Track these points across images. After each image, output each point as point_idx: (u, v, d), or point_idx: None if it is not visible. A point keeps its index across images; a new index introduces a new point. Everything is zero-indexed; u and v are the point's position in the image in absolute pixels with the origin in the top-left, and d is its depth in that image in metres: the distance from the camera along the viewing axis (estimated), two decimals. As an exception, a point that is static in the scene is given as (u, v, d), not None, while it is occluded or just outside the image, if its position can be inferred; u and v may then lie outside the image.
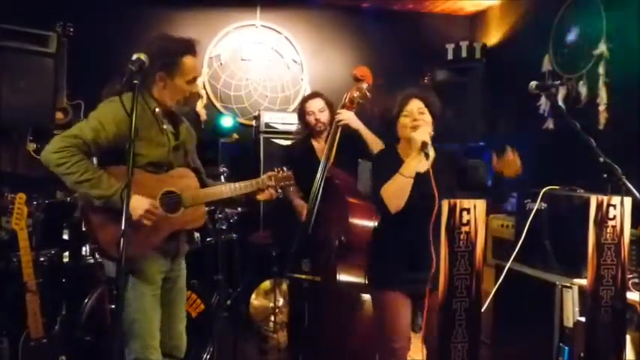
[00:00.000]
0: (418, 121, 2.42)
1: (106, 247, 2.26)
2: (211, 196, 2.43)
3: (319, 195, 3.26)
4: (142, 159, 2.24)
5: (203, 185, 2.49)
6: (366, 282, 2.74)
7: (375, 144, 3.31)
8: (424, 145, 2.31)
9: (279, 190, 2.56)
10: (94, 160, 2.29)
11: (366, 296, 2.98)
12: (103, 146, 2.22)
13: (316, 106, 3.47)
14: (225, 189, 2.47)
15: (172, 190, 2.33)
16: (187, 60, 2.31)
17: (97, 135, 2.19)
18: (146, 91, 2.30)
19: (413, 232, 2.36)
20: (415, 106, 2.45)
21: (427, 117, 2.46)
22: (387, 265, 2.51)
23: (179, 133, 2.45)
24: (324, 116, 3.46)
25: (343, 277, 3.09)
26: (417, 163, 2.34)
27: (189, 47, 2.33)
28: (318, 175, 3.28)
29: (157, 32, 4.45)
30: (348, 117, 3.31)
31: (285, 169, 2.59)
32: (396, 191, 2.36)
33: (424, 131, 2.37)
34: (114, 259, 2.26)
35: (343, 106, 3.35)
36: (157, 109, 2.31)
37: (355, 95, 3.33)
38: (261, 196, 2.53)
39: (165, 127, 2.36)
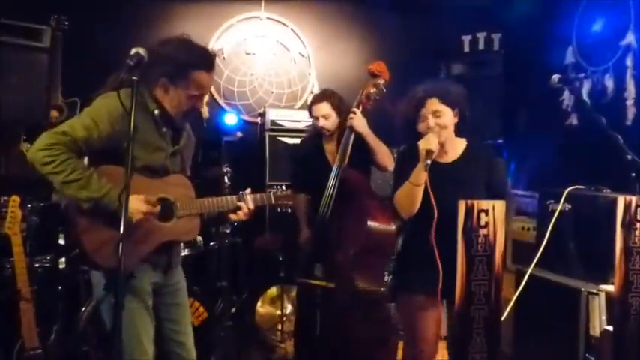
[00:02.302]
0: (433, 128, 2.44)
1: (93, 254, 2.19)
2: (207, 207, 2.40)
3: (333, 198, 3.26)
4: (137, 162, 2.19)
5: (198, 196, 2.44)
6: (385, 288, 2.76)
7: (381, 152, 3.31)
8: (429, 154, 2.32)
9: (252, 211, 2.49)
10: (85, 160, 2.25)
11: (385, 304, 2.98)
12: (95, 146, 2.17)
13: (320, 111, 3.45)
14: (221, 201, 2.44)
15: (166, 198, 2.30)
16: (198, 75, 2.25)
17: (89, 134, 2.14)
18: (147, 91, 2.27)
19: (439, 234, 2.36)
20: (431, 108, 2.46)
21: (445, 118, 2.47)
22: (413, 268, 2.53)
23: (179, 138, 2.42)
24: (329, 123, 3.45)
25: (360, 283, 3.09)
26: (425, 167, 2.35)
27: (204, 61, 2.28)
28: (332, 179, 3.27)
29: (167, 28, 4.55)
30: (356, 119, 3.30)
31: (284, 188, 2.59)
32: (406, 199, 2.44)
33: (431, 139, 2.37)
34: (100, 267, 2.22)
35: (359, 103, 3.35)
36: (156, 111, 2.27)
37: (372, 91, 3.32)
38: (234, 216, 2.47)
39: (164, 130, 2.32)
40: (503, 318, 2.08)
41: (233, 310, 4.03)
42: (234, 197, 2.45)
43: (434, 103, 2.46)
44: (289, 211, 4.01)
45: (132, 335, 2.24)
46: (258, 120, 4.90)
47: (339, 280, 3.18)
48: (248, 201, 2.46)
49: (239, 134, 4.57)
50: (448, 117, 2.48)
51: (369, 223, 3.08)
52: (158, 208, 2.24)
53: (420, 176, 2.38)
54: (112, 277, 2.08)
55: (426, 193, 2.41)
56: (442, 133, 2.45)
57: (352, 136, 3.30)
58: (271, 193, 2.57)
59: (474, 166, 2.55)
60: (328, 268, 3.30)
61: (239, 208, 2.44)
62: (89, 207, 2.13)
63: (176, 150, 2.39)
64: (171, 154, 2.36)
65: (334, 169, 3.29)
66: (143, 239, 2.23)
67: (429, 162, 2.31)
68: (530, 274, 2.61)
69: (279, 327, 4.11)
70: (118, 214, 2.00)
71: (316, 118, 3.47)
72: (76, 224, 2.20)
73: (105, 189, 2.12)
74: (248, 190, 2.50)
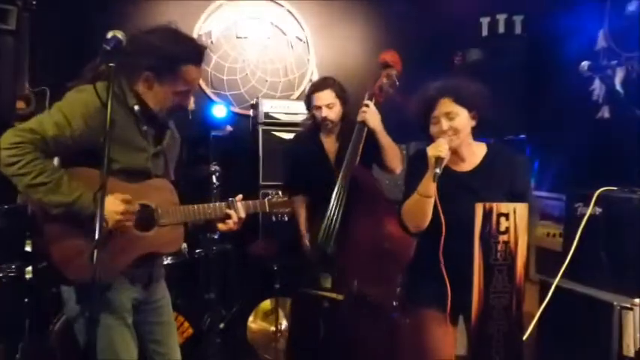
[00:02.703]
0: (446, 131, 2.43)
1: (62, 267, 2.16)
2: (192, 215, 2.39)
3: (343, 200, 3.26)
4: (114, 164, 2.16)
5: (182, 202, 2.42)
6: (398, 302, 2.77)
7: (392, 152, 3.32)
8: (438, 161, 2.32)
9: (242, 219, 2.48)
10: (56, 160, 2.22)
11: (398, 319, 2.98)
12: (66, 145, 2.14)
13: (324, 100, 3.44)
14: (209, 208, 2.43)
15: (147, 204, 2.28)
16: (187, 69, 2.25)
17: (59, 132, 2.11)
18: (126, 84, 2.25)
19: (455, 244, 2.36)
20: (444, 110, 2.45)
21: (459, 121, 2.45)
22: (426, 281, 2.53)
23: (162, 137, 2.41)
24: (333, 113, 3.45)
25: (371, 295, 3.09)
26: (434, 177, 2.34)
27: (194, 55, 2.28)
28: (340, 179, 3.27)
29: (148, 8, 4.53)
30: (370, 112, 3.30)
31: (280, 193, 2.59)
32: (415, 211, 2.45)
33: (441, 145, 2.36)
34: (70, 282, 2.20)
35: (371, 96, 3.35)
36: (136, 107, 2.25)
37: (384, 83, 3.33)
38: (222, 226, 2.47)
39: (145, 128, 2.30)
40: (525, 336, 2.07)
41: (222, 325, 4.03)
42: (223, 204, 2.44)
43: (447, 104, 2.45)
44: (285, 218, 4.01)
45: (110, 355, 2.23)
46: (251, 112, 4.90)
47: (347, 292, 3.18)
48: (239, 209, 2.45)
49: (229, 128, 4.58)
50: (463, 119, 2.46)
51: (386, 227, 3.08)
52: (137, 207, 2.22)
53: (429, 187, 2.37)
54: (85, 292, 2.10)
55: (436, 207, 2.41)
56: (455, 138, 2.44)
57: (364, 132, 3.29)
58: (266, 200, 2.57)
59: (494, 175, 2.53)
60: (337, 278, 3.30)
61: (228, 217, 2.43)
62: (59, 212, 2.11)
63: (159, 150, 2.38)
64: (154, 155, 2.35)
65: (343, 167, 3.28)
66: (120, 251, 2.21)
67: (438, 171, 2.30)
68: (557, 285, 2.60)
69: (274, 344, 4.11)
70: (91, 221, 1.99)
71: (318, 108, 3.46)
72: (43, 233, 2.18)
73: (76, 193, 2.11)
74: (239, 197, 2.49)
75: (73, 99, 2.18)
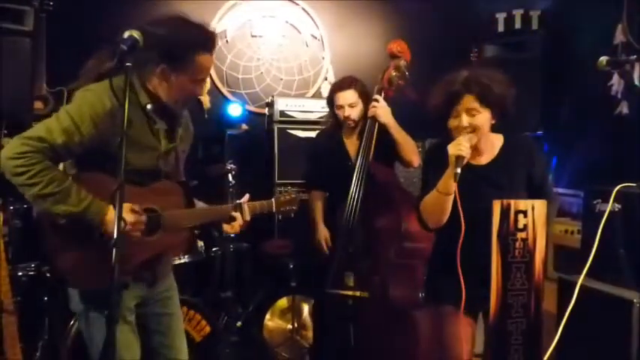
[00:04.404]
0: (465, 127, 2.40)
1: (66, 275, 2.17)
2: (197, 219, 2.39)
3: (360, 197, 3.26)
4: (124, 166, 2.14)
5: (189, 204, 2.39)
6: (423, 297, 2.77)
7: (407, 146, 3.32)
8: (459, 160, 2.30)
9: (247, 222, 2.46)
10: (69, 163, 2.23)
11: (423, 314, 2.98)
12: (76, 151, 2.13)
13: (347, 99, 3.46)
14: (214, 211, 2.43)
15: (153, 208, 2.26)
16: (201, 58, 2.22)
17: (69, 139, 2.08)
18: (138, 82, 2.23)
19: (475, 241, 2.34)
20: (466, 106, 2.41)
21: (480, 119, 2.42)
22: (445, 277, 2.52)
23: (175, 133, 2.38)
24: (355, 112, 3.46)
25: (396, 292, 3.09)
26: (455, 176, 2.33)
27: (207, 43, 2.26)
28: (355, 176, 3.27)
29: (163, 8, 4.55)
30: (380, 107, 3.30)
31: (289, 190, 2.57)
32: (433, 208, 2.45)
33: (463, 144, 2.34)
34: (74, 287, 2.22)
35: (381, 90, 3.34)
36: (148, 106, 2.23)
37: (393, 75, 3.32)
38: (228, 228, 2.45)
39: (157, 126, 2.29)
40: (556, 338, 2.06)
41: (239, 324, 4.05)
42: (229, 206, 2.43)
43: (470, 101, 2.41)
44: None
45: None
46: (266, 111, 4.91)
47: (372, 290, 3.18)
48: (245, 211, 2.43)
49: (244, 127, 4.59)
50: (484, 117, 2.44)
51: (404, 223, 3.08)
52: (144, 217, 2.19)
53: (449, 185, 2.36)
54: (89, 291, 2.15)
55: (455, 200, 2.39)
56: (473, 136, 2.41)
57: (376, 127, 3.30)
58: (272, 200, 2.54)
59: (512, 166, 2.52)
60: (360, 276, 3.30)
61: (234, 219, 2.42)
62: (66, 221, 2.10)
63: (170, 148, 2.36)
64: (165, 153, 2.33)
65: (358, 163, 3.29)
66: (125, 255, 2.14)
67: (458, 170, 2.29)
68: (574, 282, 2.59)
69: (290, 342, 4.12)
70: (97, 230, 2.03)
71: (340, 108, 3.47)
72: (48, 240, 2.18)
73: (85, 202, 2.08)
74: (245, 198, 2.48)
75: (82, 102, 2.14)
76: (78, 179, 2.14)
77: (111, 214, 2.07)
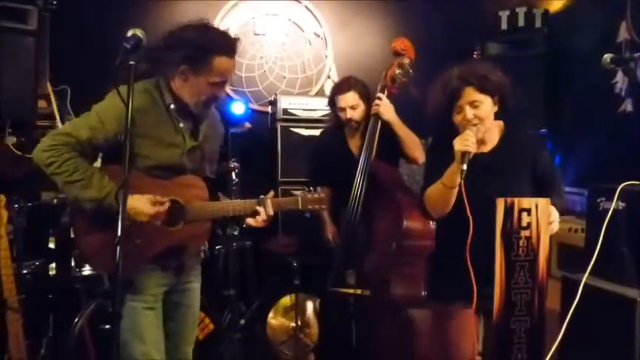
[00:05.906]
0: (471, 120, 2.40)
1: (89, 257, 2.38)
2: (221, 212, 2.45)
3: (362, 194, 3.26)
4: (146, 161, 2.32)
5: (214, 198, 2.52)
6: (425, 295, 2.77)
7: (411, 143, 3.32)
8: (465, 155, 2.29)
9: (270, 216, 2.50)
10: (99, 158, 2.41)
11: (425, 312, 2.99)
12: (101, 146, 2.33)
13: (348, 102, 3.46)
14: (238, 205, 2.48)
15: (176, 200, 2.37)
16: (219, 60, 2.34)
17: (93, 135, 2.28)
18: (164, 82, 2.38)
19: (477, 236, 2.34)
20: (468, 99, 2.41)
21: (484, 109, 2.42)
22: (449, 274, 2.51)
23: (199, 132, 2.49)
24: (358, 113, 3.46)
25: (398, 289, 3.09)
26: (461, 173, 2.32)
27: (225, 46, 2.37)
28: (359, 173, 3.28)
29: (166, 7, 4.56)
30: (383, 105, 3.30)
31: (318, 189, 2.58)
32: (438, 199, 2.45)
33: (469, 139, 2.32)
34: (99, 270, 2.39)
35: (384, 88, 3.34)
36: (172, 106, 2.37)
37: (397, 72, 3.32)
38: (250, 221, 2.49)
39: (181, 125, 2.42)
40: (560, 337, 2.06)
41: (242, 321, 4.05)
42: (254, 201, 2.48)
43: (471, 93, 2.41)
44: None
45: (138, 340, 2.34)
46: (269, 109, 4.92)
47: (374, 287, 3.18)
48: (268, 206, 2.47)
49: (247, 125, 4.59)
50: (487, 106, 2.44)
51: (405, 221, 3.08)
52: (166, 206, 2.31)
53: (454, 179, 2.35)
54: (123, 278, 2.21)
55: (460, 195, 2.38)
56: (481, 127, 2.41)
57: (379, 125, 3.30)
58: (299, 197, 2.55)
59: (515, 152, 2.51)
60: (361, 274, 3.31)
61: (257, 213, 2.47)
62: (92, 207, 2.27)
63: (195, 146, 2.46)
64: (189, 151, 2.44)
65: (361, 161, 3.30)
66: (148, 242, 2.33)
67: (464, 167, 2.28)
68: (577, 281, 2.58)
69: (294, 341, 4.13)
70: (117, 216, 2.07)
71: (342, 110, 3.47)
72: (76, 226, 2.44)
73: (106, 189, 2.25)
74: (270, 194, 2.52)
75: (110, 102, 2.31)
76: (102, 171, 2.33)
77: (133, 200, 2.21)
